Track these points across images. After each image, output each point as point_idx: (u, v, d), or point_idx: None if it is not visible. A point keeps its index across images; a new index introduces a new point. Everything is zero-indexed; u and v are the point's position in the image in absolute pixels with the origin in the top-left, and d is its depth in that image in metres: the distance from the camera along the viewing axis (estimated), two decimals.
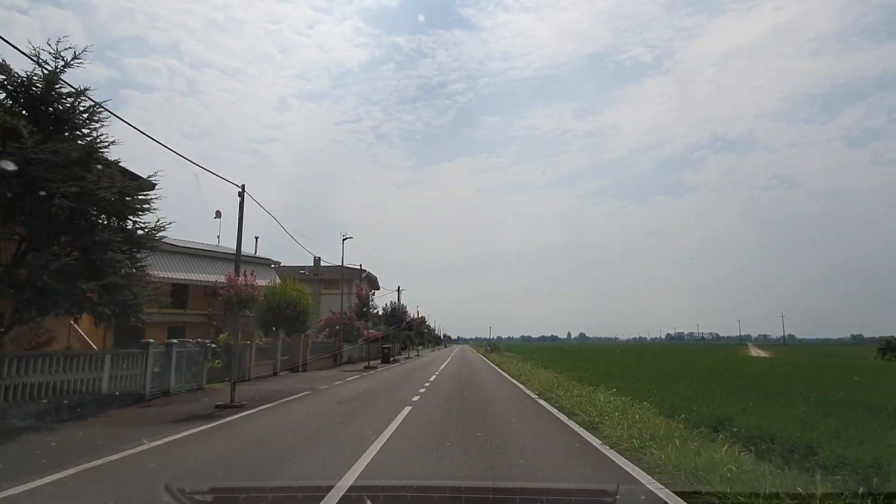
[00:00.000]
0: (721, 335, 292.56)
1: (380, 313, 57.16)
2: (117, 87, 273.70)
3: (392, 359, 40.55)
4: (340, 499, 5.26)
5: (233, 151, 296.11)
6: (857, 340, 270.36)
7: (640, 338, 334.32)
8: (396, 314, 49.21)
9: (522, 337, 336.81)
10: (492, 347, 68.93)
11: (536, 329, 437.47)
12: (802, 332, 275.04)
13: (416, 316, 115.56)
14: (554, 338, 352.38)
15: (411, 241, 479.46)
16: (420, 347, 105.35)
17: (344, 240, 35.90)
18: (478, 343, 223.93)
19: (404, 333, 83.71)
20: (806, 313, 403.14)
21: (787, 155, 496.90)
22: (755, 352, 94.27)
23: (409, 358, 50.34)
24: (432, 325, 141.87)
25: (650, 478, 6.44)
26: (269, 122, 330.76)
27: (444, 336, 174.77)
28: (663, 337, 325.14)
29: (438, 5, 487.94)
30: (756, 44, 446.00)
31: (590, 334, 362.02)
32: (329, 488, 5.58)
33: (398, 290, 62.39)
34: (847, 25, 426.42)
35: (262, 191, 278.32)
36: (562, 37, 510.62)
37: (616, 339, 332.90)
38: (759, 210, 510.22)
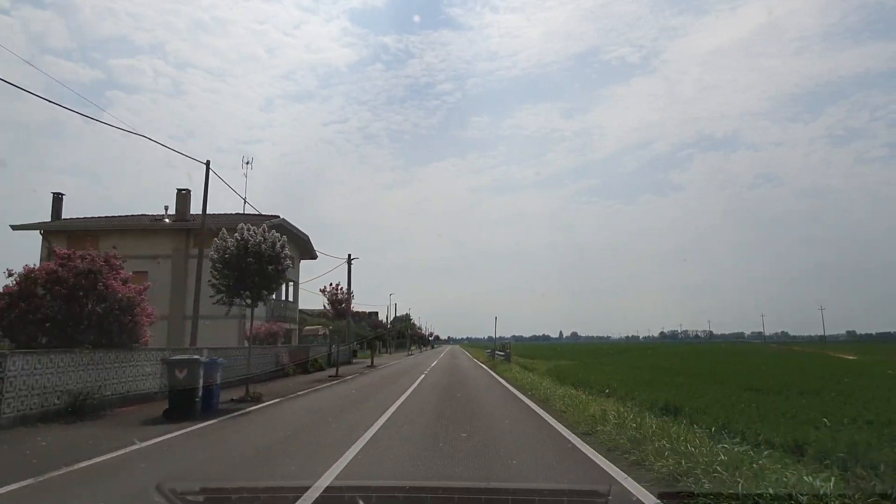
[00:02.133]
0: (715, 333, 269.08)
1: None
2: (103, 89, 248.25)
3: (247, 396, 13.65)
4: (332, 498, 4.90)
5: (219, 152, 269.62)
6: (853, 337, 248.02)
7: (633, 336, 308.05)
8: (252, 255, 13.46)
9: (514, 336, 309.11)
10: (504, 352, 37.71)
11: (528, 328, 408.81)
12: (795, 330, 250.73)
13: (392, 312, 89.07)
14: (546, 337, 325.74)
15: (402, 242, 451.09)
16: (402, 349, 79.18)
17: None
18: (471, 343, 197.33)
19: (375, 333, 57.82)
20: (797, 310, 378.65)
21: (772, 154, 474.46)
22: (837, 353, 68.27)
23: (334, 380, 21.21)
24: (417, 324, 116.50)
25: None
26: (255, 122, 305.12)
27: (434, 336, 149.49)
28: (657, 335, 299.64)
29: (426, 5, 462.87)
30: (741, 43, 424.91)
31: (582, 333, 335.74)
32: (320, 488, 5.08)
33: (349, 260, 36.14)
34: (830, 25, 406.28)
35: (251, 191, 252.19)
36: (548, 37, 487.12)
37: (608, 337, 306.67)
38: (746, 208, 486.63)
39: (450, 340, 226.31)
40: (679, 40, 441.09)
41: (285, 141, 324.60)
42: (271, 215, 28.89)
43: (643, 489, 5.35)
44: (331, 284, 23.38)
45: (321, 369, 26.18)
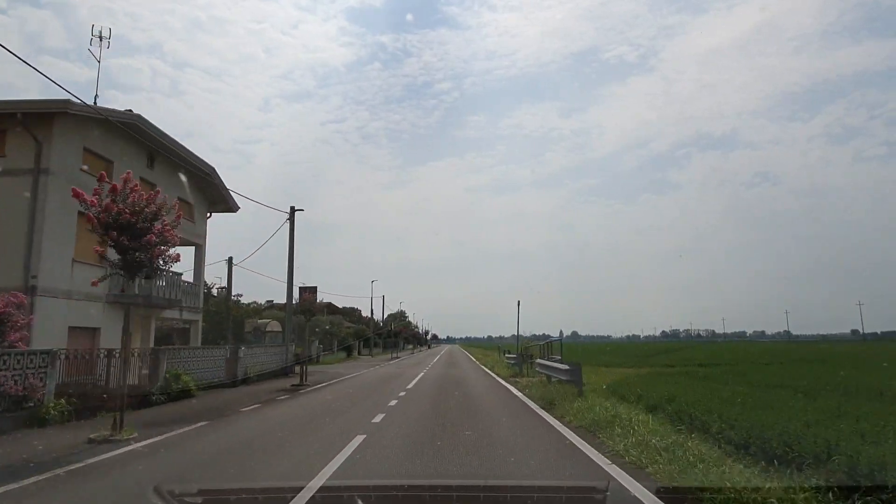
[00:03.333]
0: (717, 332, 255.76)
1: None
2: (99, 88, 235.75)
3: None
4: (330, 497, 4.55)
5: (216, 153, 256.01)
6: (857, 337, 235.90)
7: (634, 335, 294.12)
8: None
9: (513, 336, 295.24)
10: (571, 370, 13.60)
11: (527, 328, 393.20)
12: (796, 329, 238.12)
13: (381, 306, 75.03)
14: (546, 336, 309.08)
15: (401, 242, 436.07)
16: (397, 349, 63.98)
17: None
18: (470, 343, 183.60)
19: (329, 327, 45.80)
20: (795, 309, 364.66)
21: (770, 152, 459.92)
22: None
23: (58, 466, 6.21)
24: (414, 322, 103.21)
25: None
26: (253, 122, 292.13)
27: (431, 336, 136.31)
28: (658, 335, 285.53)
29: (423, 4, 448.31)
30: (739, 42, 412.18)
31: (582, 332, 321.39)
32: (319, 487, 4.73)
33: (291, 213, 22.74)
34: (828, 23, 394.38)
35: (248, 191, 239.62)
36: (546, 36, 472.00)
37: (609, 336, 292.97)
38: (745, 207, 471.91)
39: (448, 340, 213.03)
40: (677, 39, 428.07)
41: (284, 141, 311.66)
42: (123, 111, 15.36)
43: (641, 486, 5.00)
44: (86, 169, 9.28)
45: (192, 396, 12.59)
